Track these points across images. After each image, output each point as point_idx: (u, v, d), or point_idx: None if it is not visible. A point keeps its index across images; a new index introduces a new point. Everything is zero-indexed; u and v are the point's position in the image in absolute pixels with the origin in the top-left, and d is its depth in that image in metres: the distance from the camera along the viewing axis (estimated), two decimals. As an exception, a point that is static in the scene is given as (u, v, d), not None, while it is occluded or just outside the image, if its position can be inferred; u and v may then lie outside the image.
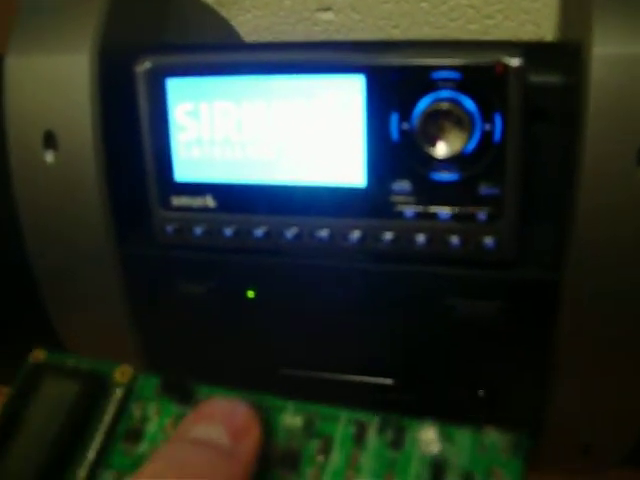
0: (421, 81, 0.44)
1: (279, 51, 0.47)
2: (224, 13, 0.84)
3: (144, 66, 0.48)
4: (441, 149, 0.44)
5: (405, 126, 0.45)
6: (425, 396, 0.53)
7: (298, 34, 0.89)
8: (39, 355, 0.34)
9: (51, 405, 0.32)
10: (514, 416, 0.53)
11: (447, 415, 0.30)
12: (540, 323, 0.48)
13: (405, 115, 0.44)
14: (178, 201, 0.50)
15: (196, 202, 0.50)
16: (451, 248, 0.46)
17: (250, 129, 0.47)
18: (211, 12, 0.69)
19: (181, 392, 0.31)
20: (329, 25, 0.89)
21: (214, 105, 0.48)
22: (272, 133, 0.47)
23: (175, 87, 0.48)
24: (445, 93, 0.44)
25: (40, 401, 0.32)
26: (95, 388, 0.32)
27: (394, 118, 0.45)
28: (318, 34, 0.88)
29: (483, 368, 0.51)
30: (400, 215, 0.47)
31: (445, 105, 0.44)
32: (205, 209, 0.50)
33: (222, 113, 0.48)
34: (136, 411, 0.31)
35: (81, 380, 0.32)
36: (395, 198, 0.46)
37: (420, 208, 0.46)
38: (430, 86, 0.44)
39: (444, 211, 0.46)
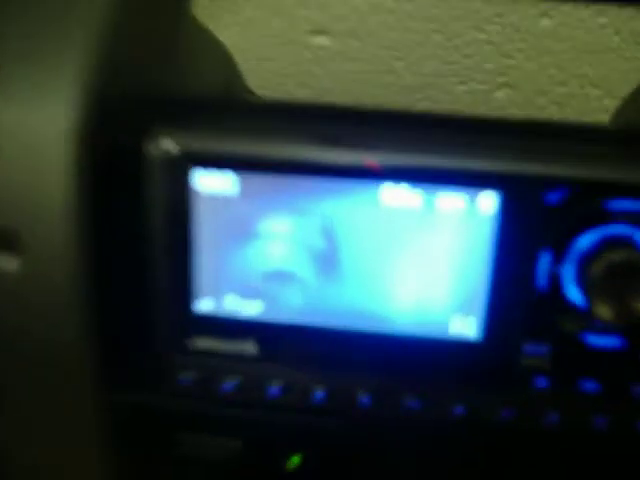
0: (587, 208, 0.29)
1: (363, 146, 0.30)
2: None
3: (160, 146, 0.31)
4: (607, 309, 0.29)
5: (557, 269, 0.29)
6: None
7: (284, 59, 0.72)
8: None
9: None
10: None
11: None
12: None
13: (559, 255, 0.29)
14: (201, 343, 0.33)
15: (229, 346, 0.33)
16: (593, 430, 0.32)
17: (312, 250, 0.31)
18: (212, 40, 0.51)
19: None
20: (322, 51, 0.72)
21: (268, 216, 0.31)
22: (344, 258, 0.31)
23: (206, 181, 0.31)
24: (619, 228, 0.29)
25: None
26: None
27: (543, 258, 0.29)
28: (308, 63, 0.72)
29: None
30: (528, 384, 0.31)
31: (618, 246, 0.28)
32: (242, 357, 0.33)
33: (274, 226, 0.31)
34: None
35: None
36: (524, 360, 0.31)
37: (558, 377, 0.31)
38: (599, 217, 0.29)
39: (592, 383, 0.31)
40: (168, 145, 0.31)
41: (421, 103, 0.73)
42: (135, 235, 0.32)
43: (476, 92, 0.73)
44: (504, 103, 0.72)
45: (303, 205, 0.31)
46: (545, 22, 0.68)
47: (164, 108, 0.32)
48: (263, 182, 0.31)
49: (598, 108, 0.71)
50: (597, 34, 0.68)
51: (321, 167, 0.30)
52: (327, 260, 0.31)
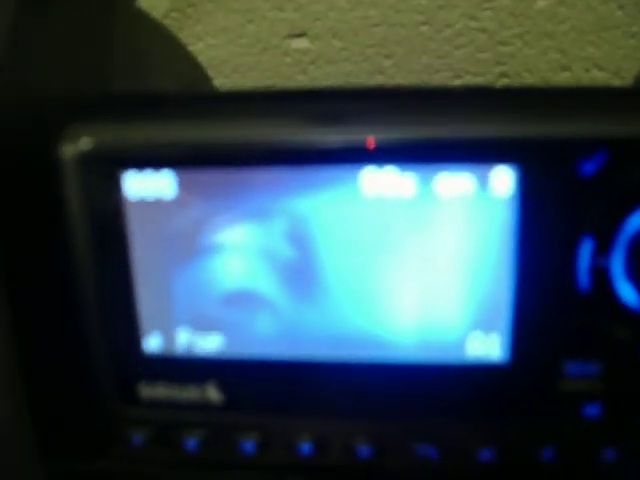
0: (636, 177, 0.20)
1: (335, 123, 0.22)
2: (170, 42, 0.59)
3: (78, 146, 0.23)
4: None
5: (602, 262, 0.21)
6: None
7: (264, 67, 0.65)
8: None
9: None
10: None
11: None
12: None
13: (603, 242, 0.21)
14: (152, 391, 0.25)
15: (187, 393, 0.24)
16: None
17: (279, 263, 0.23)
18: (167, 36, 0.43)
19: None
20: (303, 55, 0.65)
21: (219, 223, 0.22)
22: (321, 269, 0.22)
23: (137, 183, 0.22)
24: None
25: None
26: None
27: (584, 248, 0.21)
28: (290, 68, 0.64)
29: None
30: (575, 414, 0.23)
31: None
32: (205, 406, 0.24)
33: (227, 235, 0.23)
34: None
35: None
36: (568, 384, 0.23)
37: (613, 402, 0.22)
38: (654, 187, 0.20)
39: (658, 407, 0.22)
40: (84, 142, 0.23)
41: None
42: (55, 262, 0.24)
43: (478, 85, 0.65)
44: (504, 95, 0.64)
45: (261, 205, 0.23)
46: (541, 3, 0.61)
47: (81, 103, 0.25)
48: (208, 180, 0.23)
49: (607, 91, 0.63)
50: (599, 11, 0.61)
51: (280, 153, 0.22)
52: (300, 274, 0.23)
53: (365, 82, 0.65)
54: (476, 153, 0.21)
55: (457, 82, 0.64)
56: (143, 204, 0.23)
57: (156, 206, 0.23)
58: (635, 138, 0.21)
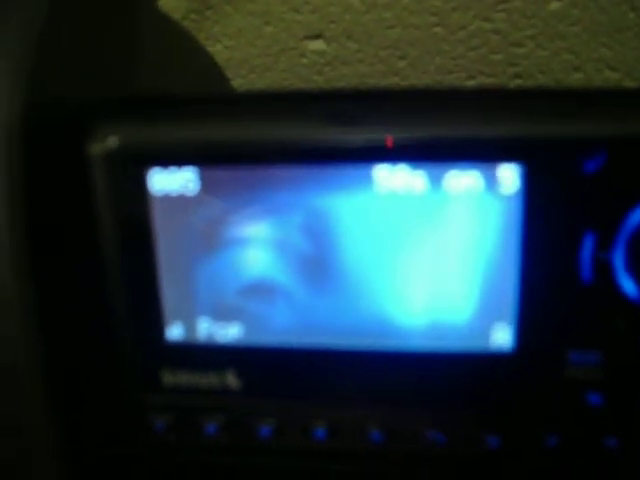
0: (636, 175, 0.21)
1: (349, 122, 0.24)
2: (188, 43, 0.60)
3: (102, 143, 0.24)
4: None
5: (604, 256, 0.22)
6: None
7: (280, 68, 0.66)
8: None
9: None
10: None
11: None
12: None
13: (605, 237, 0.22)
14: (174, 377, 0.26)
15: (206, 379, 0.26)
16: (665, 455, 0.24)
17: (295, 255, 0.24)
18: (188, 37, 0.44)
19: None
20: (319, 56, 0.66)
21: (239, 217, 0.24)
22: (335, 261, 0.24)
23: (161, 180, 0.24)
24: (680, 196, 0.21)
25: None
26: None
27: (586, 242, 0.22)
28: (306, 69, 0.66)
29: None
30: (578, 401, 0.24)
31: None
32: (224, 392, 0.26)
33: (246, 229, 0.24)
34: None
35: None
36: (571, 372, 0.24)
37: (614, 390, 0.24)
38: (654, 184, 0.21)
39: (659, 396, 0.23)
40: (110, 140, 0.24)
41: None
42: (83, 253, 0.26)
43: (486, 86, 0.66)
44: (517, 95, 0.65)
45: (280, 200, 0.24)
46: (554, 4, 0.61)
47: (109, 104, 0.26)
48: (228, 176, 0.24)
49: (619, 92, 0.63)
50: (611, 12, 0.61)
51: (298, 151, 0.23)
52: (316, 266, 0.24)
53: (380, 83, 0.66)
54: (484, 152, 0.23)
55: (470, 83, 0.65)
56: (167, 199, 0.24)
57: (179, 201, 0.24)
58: (635, 137, 0.22)
